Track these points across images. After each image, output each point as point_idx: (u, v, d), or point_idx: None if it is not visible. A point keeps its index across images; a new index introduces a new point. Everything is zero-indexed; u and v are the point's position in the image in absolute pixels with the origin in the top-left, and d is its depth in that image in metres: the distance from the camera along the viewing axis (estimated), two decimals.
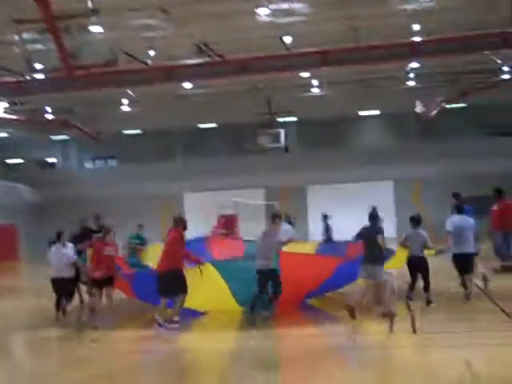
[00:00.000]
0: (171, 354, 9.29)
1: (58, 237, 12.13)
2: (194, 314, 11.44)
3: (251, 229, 24.40)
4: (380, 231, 10.57)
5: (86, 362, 8.85)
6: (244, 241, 15.30)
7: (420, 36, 22.76)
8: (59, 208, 36.47)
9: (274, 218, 11.10)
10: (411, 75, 30.04)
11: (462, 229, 11.97)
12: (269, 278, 10.91)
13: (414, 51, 21.33)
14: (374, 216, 10.89)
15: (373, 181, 34.99)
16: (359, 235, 10.74)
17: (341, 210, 33.94)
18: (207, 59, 22.95)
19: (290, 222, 16.37)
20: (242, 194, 31.37)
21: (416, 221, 11.72)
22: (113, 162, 42.87)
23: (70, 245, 12.30)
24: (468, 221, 12.21)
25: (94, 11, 13.04)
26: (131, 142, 40.98)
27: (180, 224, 11.02)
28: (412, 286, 11.56)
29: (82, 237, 13.37)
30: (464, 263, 11.87)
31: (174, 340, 10.03)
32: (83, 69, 16.46)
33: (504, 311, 10.39)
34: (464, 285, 12.03)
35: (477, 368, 7.31)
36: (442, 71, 29.84)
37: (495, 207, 15.90)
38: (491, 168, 32.28)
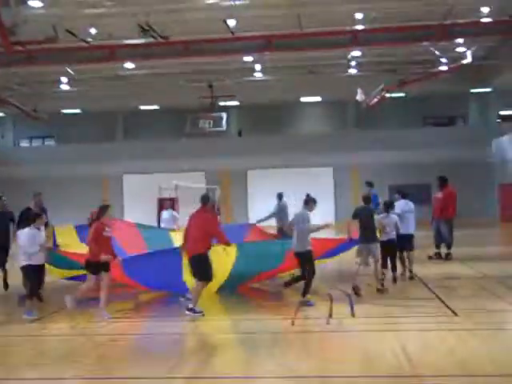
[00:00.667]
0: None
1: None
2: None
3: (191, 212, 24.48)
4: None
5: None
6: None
7: (362, 24, 23.06)
8: None
9: (308, 202, 10.92)
10: (353, 63, 30.36)
11: (405, 212, 13.18)
12: (305, 260, 10.80)
13: (356, 39, 21.59)
14: (367, 198, 12.06)
15: (313, 167, 35.35)
16: (357, 215, 11.60)
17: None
18: (150, 40, 22.70)
19: None
20: (182, 177, 31.26)
21: (389, 205, 12.43)
22: (50, 142, 41.95)
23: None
24: (410, 205, 13.40)
25: None
26: (70, 122, 40.22)
27: (207, 201, 10.61)
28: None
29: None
30: (407, 242, 12.95)
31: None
32: (20, 44, 15.96)
33: (439, 298, 10.72)
34: (402, 263, 13.01)
35: (411, 352, 7.53)
36: (383, 60, 30.34)
37: (439, 195, 16.07)
38: (425, 158, 33.20)
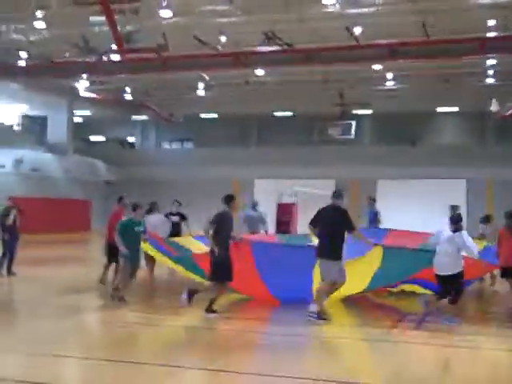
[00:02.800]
0: None
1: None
2: None
3: None
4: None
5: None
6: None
7: (494, 32, 22.14)
8: (133, 186, 37.58)
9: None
10: (490, 72, 29.12)
11: None
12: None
13: (483, 47, 20.73)
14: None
15: (445, 179, 34.31)
16: None
17: (409, 206, 33.80)
18: (276, 47, 23.17)
19: None
20: (313, 184, 31.54)
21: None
22: (189, 145, 43.75)
23: None
24: None
25: None
26: (207, 126, 41.77)
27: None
28: None
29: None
30: None
31: None
32: (134, 52, 16.96)
33: None
34: None
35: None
36: None
37: None
38: None
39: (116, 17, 15.95)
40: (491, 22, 21.87)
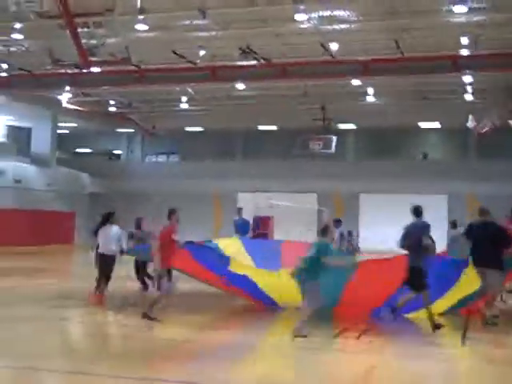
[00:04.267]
0: None
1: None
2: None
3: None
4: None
5: None
6: None
7: (468, 49, 22.42)
8: (117, 199, 37.66)
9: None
10: (468, 89, 29.41)
11: None
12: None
13: (456, 64, 21.00)
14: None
15: (426, 194, 34.50)
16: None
17: (391, 221, 33.93)
18: (252, 62, 23.43)
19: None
20: (294, 198, 31.72)
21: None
22: (174, 158, 43.89)
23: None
24: None
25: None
26: (193, 139, 41.95)
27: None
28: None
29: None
30: None
31: None
32: (99, 64, 17.21)
33: None
34: None
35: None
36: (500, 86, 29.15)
37: None
38: None
39: (86, 30, 16.16)
40: (464, 40, 22.16)
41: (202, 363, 7.96)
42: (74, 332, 10.63)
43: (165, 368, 7.62)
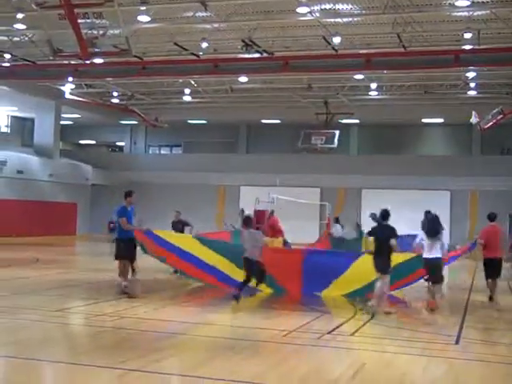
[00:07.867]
0: None
1: None
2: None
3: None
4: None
5: None
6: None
7: (470, 44, 22.29)
8: (120, 190, 37.61)
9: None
10: (472, 84, 29.31)
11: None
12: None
13: (458, 59, 20.90)
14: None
15: (429, 189, 34.47)
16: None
17: (393, 215, 33.82)
18: (255, 55, 23.37)
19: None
20: (297, 192, 31.66)
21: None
22: (178, 150, 43.93)
23: None
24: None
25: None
26: (197, 132, 41.97)
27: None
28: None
29: None
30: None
31: None
32: (99, 55, 17.23)
33: None
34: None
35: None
36: (503, 82, 29.06)
37: None
38: None
39: (87, 20, 16.18)
40: (467, 35, 22.05)
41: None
42: (72, 323, 10.62)
43: (163, 358, 7.61)
